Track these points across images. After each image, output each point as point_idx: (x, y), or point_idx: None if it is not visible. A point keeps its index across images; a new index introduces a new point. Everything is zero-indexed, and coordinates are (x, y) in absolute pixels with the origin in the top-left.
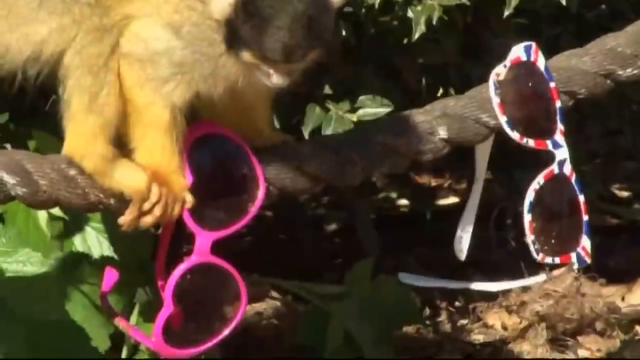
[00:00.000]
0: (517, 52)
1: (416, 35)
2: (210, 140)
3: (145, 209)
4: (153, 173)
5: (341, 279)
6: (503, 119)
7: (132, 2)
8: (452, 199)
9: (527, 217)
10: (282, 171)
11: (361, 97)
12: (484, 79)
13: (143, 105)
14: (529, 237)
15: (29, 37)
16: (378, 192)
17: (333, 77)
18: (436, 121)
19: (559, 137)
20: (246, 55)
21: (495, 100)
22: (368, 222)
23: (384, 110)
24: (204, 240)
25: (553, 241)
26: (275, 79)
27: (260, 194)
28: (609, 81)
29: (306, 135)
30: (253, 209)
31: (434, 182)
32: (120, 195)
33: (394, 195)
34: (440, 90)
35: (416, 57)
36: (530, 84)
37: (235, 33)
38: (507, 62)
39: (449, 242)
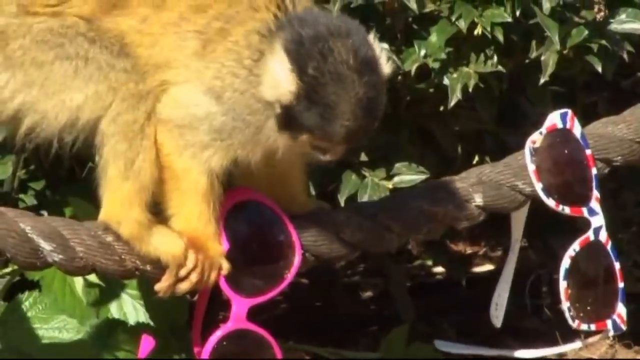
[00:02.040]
0: (553, 119)
1: (452, 103)
2: (247, 206)
3: (181, 275)
4: (189, 239)
5: (376, 346)
6: (539, 186)
7: (170, 68)
8: (488, 267)
9: (563, 284)
10: (319, 238)
11: (397, 164)
12: (520, 146)
13: (181, 171)
14: (565, 304)
15: (65, 104)
16: (414, 260)
17: (369, 144)
18: (472, 188)
19: (594, 204)
20: (304, 138)
21: (531, 168)
22: (403, 288)
23: (419, 178)
24: (240, 306)
25: (588, 308)
26: (330, 156)
27: (297, 260)
28: None
29: (342, 203)
30: (289, 276)
31: (469, 250)
32: (157, 261)
33: (429, 262)
34: (476, 158)
35: (452, 124)
36: (566, 151)
37: (293, 118)
38: (543, 129)
39: (484, 309)
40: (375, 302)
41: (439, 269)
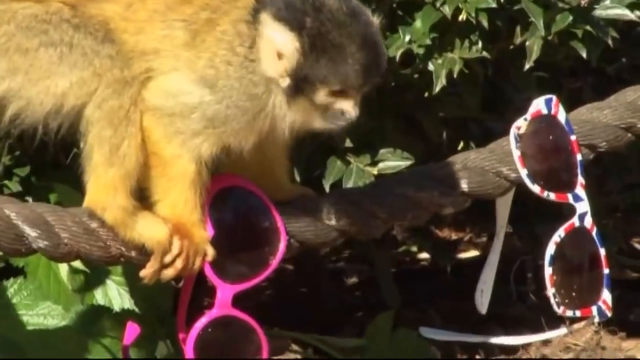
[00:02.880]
0: (538, 105)
1: (437, 89)
2: (232, 192)
3: (166, 261)
4: (174, 226)
5: (362, 332)
6: (524, 172)
7: (157, 57)
8: (473, 253)
9: (548, 270)
10: (304, 224)
11: (382, 150)
12: (505, 132)
13: (169, 158)
14: (550, 290)
15: (50, 90)
16: (399, 246)
17: (353, 130)
18: (457, 174)
19: (579, 190)
20: (321, 95)
21: (516, 154)
22: (388, 275)
23: (404, 164)
24: (225, 293)
25: (574, 294)
26: (349, 113)
27: (282, 246)
28: (629, 134)
29: (327, 189)
30: (274, 262)
31: (454, 236)
32: (142, 247)
33: (414, 248)
34: (461, 144)
35: (437, 110)
36: (551, 137)
37: (305, 77)
38: (528, 115)
39: (469, 295)
40: (360, 288)
41: (424, 255)
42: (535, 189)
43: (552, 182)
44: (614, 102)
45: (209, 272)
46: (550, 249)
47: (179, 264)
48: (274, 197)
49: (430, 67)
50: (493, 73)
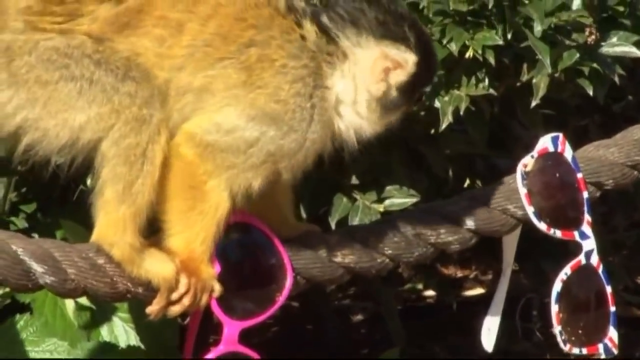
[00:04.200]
0: (545, 142)
1: (443, 125)
2: (237, 228)
3: (173, 298)
4: (182, 262)
5: None
6: (530, 210)
7: (209, 95)
8: (478, 290)
9: (554, 308)
10: (310, 261)
11: (388, 187)
12: (511, 169)
13: (208, 192)
14: (556, 328)
15: (67, 123)
16: (404, 283)
17: (360, 166)
18: (463, 212)
19: (586, 228)
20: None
21: (523, 191)
22: (394, 312)
23: (410, 201)
24: (231, 329)
25: (580, 332)
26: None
27: (288, 283)
28: (636, 172)
29: (333, 226)
30: (280, 299)
31: (459, 273)
32: (149, 284)
33: (420, 286)
34: (467, 181)
35: (443, 146)
36: (557, 175)
37: (408, 89)
38: (535, 152)
39: (475, 332)
40: (366, 325)
41: (430, 293)
42: (542, 226)
43: (558, 219)
44: (621, 140)
45: (215, 308)
46: (557, 286)
47: (186, 300)
48: (279, 234)
49: (437, 104)
50: (499, 110)
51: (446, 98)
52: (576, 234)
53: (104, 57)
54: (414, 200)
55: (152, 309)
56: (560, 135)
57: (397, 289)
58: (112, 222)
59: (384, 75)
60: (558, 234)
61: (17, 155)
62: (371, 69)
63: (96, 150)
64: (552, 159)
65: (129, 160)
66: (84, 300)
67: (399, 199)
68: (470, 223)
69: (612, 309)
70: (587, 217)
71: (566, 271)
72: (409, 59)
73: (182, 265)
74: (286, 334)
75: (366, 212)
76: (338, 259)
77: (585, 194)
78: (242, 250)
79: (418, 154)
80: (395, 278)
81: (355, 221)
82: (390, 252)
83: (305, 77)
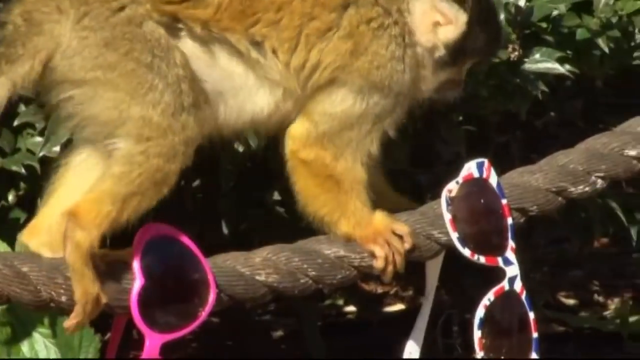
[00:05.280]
0: (470, 168)
1: None
2: (163, 242)
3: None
4: (360, 237)
5: None
6: (455, 236)
7: (322, 69)
8: (399, 306)
9: (477, 334)
10: (234, 278)
11: None
12: (433, 186)
13: (342, 173)
14: (479, 354)
15: (120, 106)
16: (325, 299)
17: (281, 183)
18: None
19: (510, 255)
20: (465, 68)
21: (447, 217)
22: (315, 328)
23: None
24: (153, 342)
25: (502, 358)
26: (459, 88)
27: (211, 299)
28: (560, 198)
29: (255, 243)
30: (203, 314)
31: (380, 289)
32: (72, 293)
33: (341, 301)
34: None
35: None
36: (482, 201)
37: (459, 49)
38: (460, 178)
39: (395, 348)
40: (286, 341)
41: (351, 308)
42: (466, 252)
43: (482, 245)
44: (545, 166)
45: (138, 320)
46: (480, 313)
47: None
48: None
49: None
50: (422, 126)
51: None
52: (500, 260)
53: (188, 76)
54: None
55: (69, 323)
56: (486, 161)
57: (318, 305)
58: (94, 209)
59: (434, 28)
60: (482, 260)
61: (53, 98)
62: (421, 19)
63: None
64: (477, 185)
65: (147, 176)
66: (3, 316)
67: None
68: None
69: (535, 335)
70: (511, 244)
71: (489, 297)
72: (460, 18)
73: (365, 239)
74: (206, 350)
75: (290, 229)
76: (262, 278)
77: (510, 220)
78: (167, 264)
79: None
80: (315, 294)
81: (277, 239)
82: (313, 273)
83: (397, 37)
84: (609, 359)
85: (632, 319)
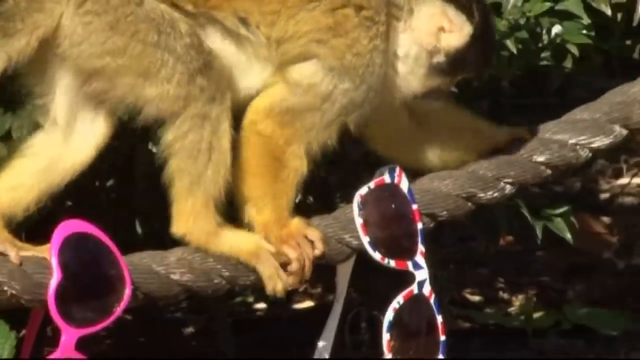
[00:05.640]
0: (382, 173)
1: None
2: (80, 239)
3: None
4: (278, 236)
5: None
6: (366, 240)
7: (297, 38)
8: (308, 303)
9: (386, 336)
10: (149, 276)
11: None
12: (343, 185)
13: (288, 159)
14: (387, 355)
15: (135, 89)
16: (235, 296)
17: None
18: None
19: (419, 259)
20: (456, 79)
21: (359, 221)
22: (225, 325)
23: None
24: (69, 336)
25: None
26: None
27: (126, 295)
28: (470, 204)
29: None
30: (118, 309)
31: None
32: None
33: (251, 299)
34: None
35: None
36: (393, 206)
37: (458, 58)
38: (372, 183)
39: (305, 344)
40: (197, 338)
41: (261, 305)
42: (377, 256)
43: (393, 250)
44: (455, 172)
45: (55, 315)
46: (389, 316)
47: (294, 266)
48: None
49: None
50: None
51: None
52: (410, 264)
53: (196, 42)
54: None
55: (269, 285)
56: (397, 167)
57: (228, 302)
58: (185, 214)
59: (437, 32)
60: (392, 263)
61: (75, 86)
62: (428, 21)
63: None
64: (388, 190)
65: (193, 154)
66: None
67: None
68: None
69: (442, 338)
70: (420, 248)
71: (398, 300)
72: (465, 28)
73: (279, 239)
74: (119, 346)
75: None
76: (176, 277)
77: (420, 225)
78: (84, 260)
79: None
80: (226, 291)
81: None
82: (227, 274)
83: (383, 33)
84: (513, 354)
85: (536, 315)
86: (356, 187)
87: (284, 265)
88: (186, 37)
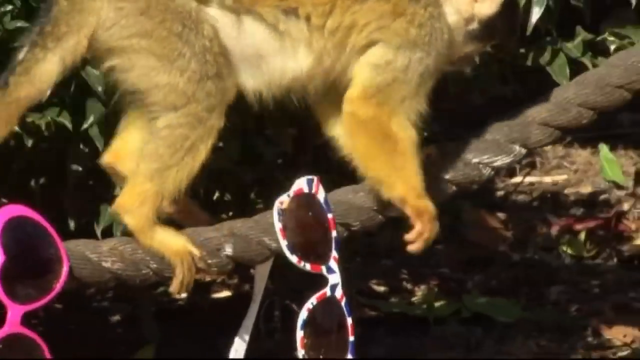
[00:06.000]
0: (300, 184)
1: None
2: (20, 222)
3: (416, 237)
4: (412, 207)
5: None
6: (284, 243)
7: (359, 31)
8: (225, 293)
9: (300, 333)
10: (82, 262)
11: None
12: (258, 183)
13: (397, 132)
14: (300, 352)
15: (150, 74)
16: (158, 286)
17: None
18: (224, 238)
19: (333, 264)
20: (486, 46)
21: (278, 226)
22: (149, 313)
23: None
24: (14, 312)
25: (321, 357)
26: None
27: (64, 273)
28: (380, 216)
29: (98, 234)
30: (57, 286)
31: (208, 278)
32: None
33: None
34: (217, 194)
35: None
36: (310, 214)
37: (487, 26)
38: (291, 192)
39: (223, 331)
40: (123, 325)
41: (182, 295)
42: (294, 259)
43: (308, 254)
44: (368, 186)
45: (1, 293)
46: (303, 315)
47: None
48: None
49: None
50: (252, 125)
51: None
52: (324, 268)
53: (214, 49)
54: None
55: (175, 286)
56: (315, 178)
57: (152, 292)
58: (135, 194)
59: (472, 1)
60: (308, 267)
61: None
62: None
63: (146, 106)
64: (306, 199)
65: (174, 147)
66: None
67: None
68: (229, 249)
69: (351, 338)
70: (334, 254)
71: (312, 301)
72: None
73: (416, 211)
74: (51, 333)
75: None
76: (107, 265)
77: (334, 233)
78: (24, 241)
79: None
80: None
81: (118, 231)
82: (155, 266)
83: (434, 1)
84: (416, 340)
85: (437, 304)
86: (270, 186)
87: None
88: (206, 39)
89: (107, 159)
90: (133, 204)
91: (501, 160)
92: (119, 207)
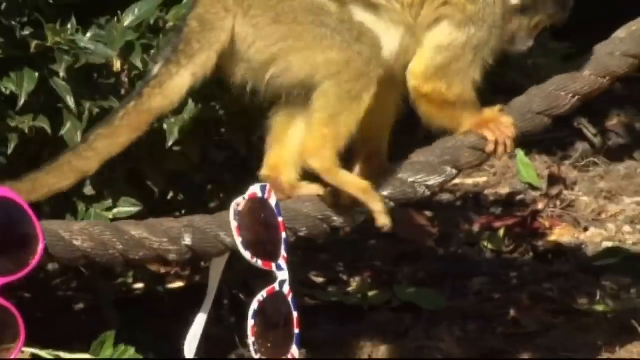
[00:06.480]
0: (255, 189)
1: (170, 142)
2: (2, 203)
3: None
4: (476, 123)
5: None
6: (239, 240)
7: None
8: (179, 284)
9: (251, 322)
10: (55, 239)
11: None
12: (208, 184)
13: (457, 99)
14: (251, 339)
15: (309, 60)
16: (117, 277)
17: (94, 179)
18: (184, 229)
19: (282, 262)
20: (535, 22)
21: (234, 224)
22: (110, 302)
23: (134, 210)
24: None
25: (269, 345)
26: (530, 42)
27: (40, 249)
28: (325, 225)
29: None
30: (34, 262)
31: (163, 270)
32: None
33: (130, 280)
34: (181, 195)
35: (162, 164)
36: (262, 216)
37: (532, 4)
38: (246, 195)
39: (177, 318)
40: (86, 313)
41: (139, 285)
42: (247, 255)
43: (260, 251)
44: (316, 198)
45: None
46: (254, 305)
47: (490, 148)
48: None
49: (164, 125)
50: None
51: (172, 119)
52: (274, 265)
53: (346, 18)
54: (138, 209)
55: (379, 218)
56: (268, 185)
57: (111, 283)
58: (314, 139)
59: None
60: (259, 263)
61: (263, 85)
62: None
63: (315, 86)
64: (259, 203)
65: (342, 97)
66: None
67: (125, 207)
68: (188, 240)
69: (297, 331)
70: (283, 253)
71: (263, 294)
72: None
73: (476, 125)
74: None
75: (98, 218)
76: (78, 243)
77: (284, 235)
78: (4, 219)
79: (138, 171)
80: (110, 273)
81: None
82: (120, 247)
83: None
84: (352, 327)
85: (370, 294)
86: (219, 186)
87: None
88: (335, 14)
89: (266, 172)
90: (315, 148)
91: (434, 180)
92: (305, 155)
